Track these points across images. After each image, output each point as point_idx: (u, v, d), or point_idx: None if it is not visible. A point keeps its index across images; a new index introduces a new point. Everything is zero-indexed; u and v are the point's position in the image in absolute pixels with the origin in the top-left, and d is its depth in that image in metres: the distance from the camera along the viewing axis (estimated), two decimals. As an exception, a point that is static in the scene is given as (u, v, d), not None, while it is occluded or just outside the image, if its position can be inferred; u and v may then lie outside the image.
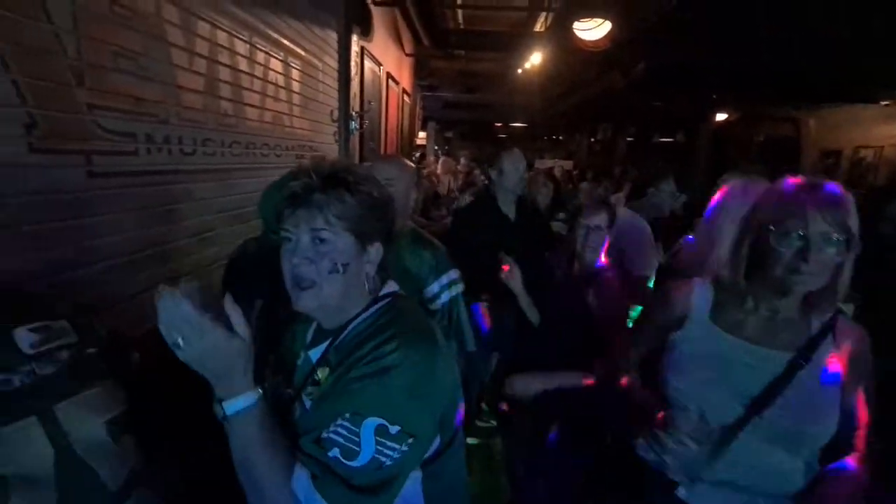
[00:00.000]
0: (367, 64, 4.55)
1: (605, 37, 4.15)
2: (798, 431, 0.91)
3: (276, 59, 2.47)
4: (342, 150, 3.82)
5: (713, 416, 0.95)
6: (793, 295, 0.95)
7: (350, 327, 0.79)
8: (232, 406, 0.66)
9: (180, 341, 0.61)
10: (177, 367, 0.64)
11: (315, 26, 3.10)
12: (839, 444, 0.93)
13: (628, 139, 9.56)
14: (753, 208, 0.99)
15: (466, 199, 3.09)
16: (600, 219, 1.78)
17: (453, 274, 1.45)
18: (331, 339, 0.80)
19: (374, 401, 0.68)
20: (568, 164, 10.13)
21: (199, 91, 1.80)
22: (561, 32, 4.45)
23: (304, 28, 2.87)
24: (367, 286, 0.80)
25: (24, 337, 0.67)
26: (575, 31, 3.86)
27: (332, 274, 0.74)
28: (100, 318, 0.87)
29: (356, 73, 4.07)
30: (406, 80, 7.24)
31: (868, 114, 7.03)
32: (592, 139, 10.09)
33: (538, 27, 6.83)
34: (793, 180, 0.95)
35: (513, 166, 2.19)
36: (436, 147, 12.81)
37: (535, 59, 6.72)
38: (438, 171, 7.62)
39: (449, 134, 15.04)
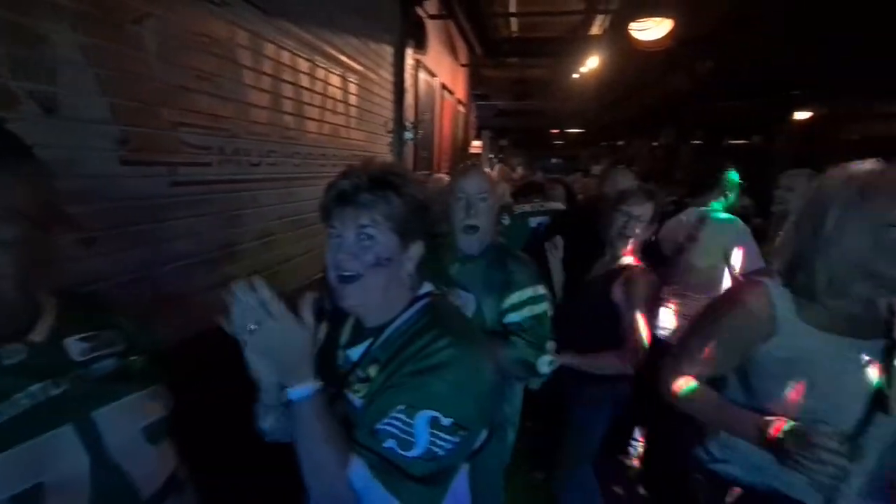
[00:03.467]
0: (422, 76, 4.69)
1: (666, 36, 3.99)
2: None
3: (335, 74, 2.62)
4: (397, 160, 3.95)
5: (834, 421, 0.88)
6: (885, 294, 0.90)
7: (394, 325, 0.81)
8: (297, 392, 0.70)
9: (253, 327, 0.67)
10: (220, 376, 0.69)
11: (371, 41, 3.25)
12: None
13: (695, 143, 9.02)
14: (866, 203, 0.88)
15: (525, 207, 3.07)
16: (643, 209, 1.69)
17: (539, 289, 1.39)
18: (372, 338, 0.82)
19: (428, 394, 0.70)
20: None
21: (264, 107, 1.96)
22: (619, 34, 4.32)
23: (360, 44, 3.02)
24: (407, 283, 0.83)
25: (73, 345, 0.69)
26: (631, 31, 3.74)
27: (375, 266, 0.77)
28: (153, 321, 0.95)
29: (411, 85, 4.21)
30: (460, 90, 7.35)
31: None
32: (655, 143, 9.63)
33: (595, 30, 6.67)
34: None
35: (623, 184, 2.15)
36: (490, 155, 12.83)
37: (591, 63, 6.57)
38: (494, 178, 7.57)
39: (503, 142, 15.01)
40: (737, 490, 0.98)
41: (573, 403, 1.79)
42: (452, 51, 6.54)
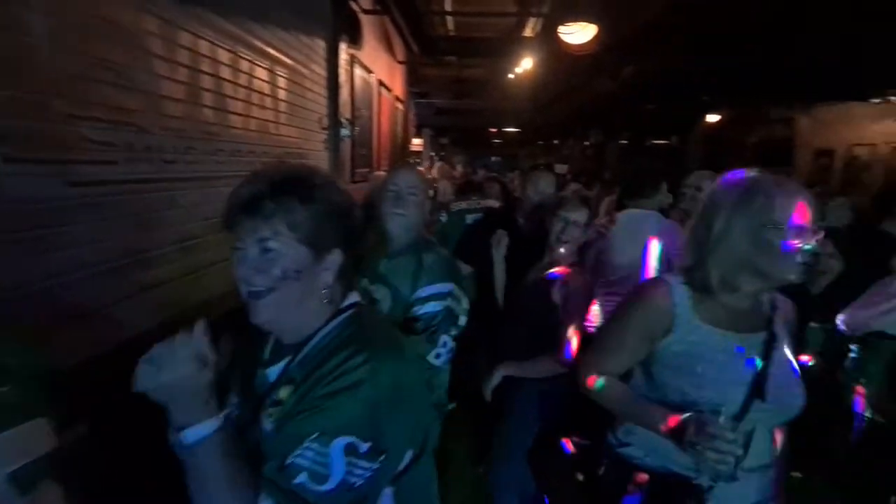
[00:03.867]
0: (358, 71, 4.59)
1: (592, 41, 4.20)
2: (787, 404, 0.99)
3: (261, 66, 2.49)
4: (332, 157, 3.84)
5: (726, 410, 0.94)
6: (784, 282, 0.99)
7: (313, 341, 0.75)
8: (192, 434, 0.63)
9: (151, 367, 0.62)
10: (128, 400, 0.62)
11: (302, 34, 3.13)
12: None
13: (622, 142, 9.61)
14: (744, 208, 0.96)
15: (462, 205, 3.11)
16: (580, 214, 1.78)
17: (452, 283, 1.41)
18: (290, 355, 0.76)
19: (342, 418, 0.65)
20: (563, 169, 10.18)
21: (180, 100, 1.81)
22: (549, 37, 4.49)
23: (289, 37, 2.90)
24: (326, 296, 0.75)
25: None
26: (560, 35, 3.90)
27: (284, 280, 0.70)
28: (43, 341, 0.82)
29: (346, 81, 4.11)
30: (398, 88, 7.29)
31: (861, 112, 7.07)
32: (586, 143, 10.14)
33: (528, 32, 6.89)
34: (776, 180, 0.96)
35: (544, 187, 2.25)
36: (432, 153, 12.88)
37: (525, 64, 6.78)
38: (434, 176, 7.64)
39: (443, 140, 15.12)
40: (642, 477, 1.03)
41: (510, 397, 1.84)
42: (389, 47, 6.46)
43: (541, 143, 12.07)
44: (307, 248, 0.71)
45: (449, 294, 1.41)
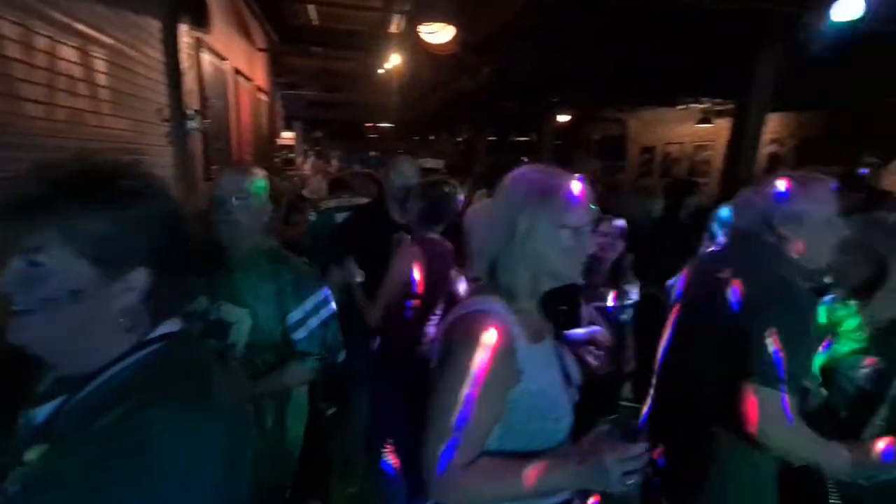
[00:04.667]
0: (207, 57, 4.16)
1: (451, 41, 4.39)
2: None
3: (67, 45, 2.11)
4: (178, 152, 3.44)
5: (558, 415, 0.94)
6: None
7: (98, 380, 0.60)
8: None
9: None
10: None
11: (127, 12, 2.74)
12: None
13: (490, 138, 10.29)
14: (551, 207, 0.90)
15: (331, 203, 3.01)
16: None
17: (321, 294, 1.36)
18: (68, 393, 0.61)
19: (120, 491, 0.50)
20: (438, 163, 10.53)
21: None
22: (413, 35, 4.60)
23: (108, 12, 2.51)
24: (125, 324, 0.61)
25: None
26: (420, 34, 4.01)
27: (52, 302, 0.57)
28: None
29: (191, 67, 3.69)
30: (260, 77, 6.79)
31: (672, 116, 8.61)
32: (457, 139, 10.63)
33: (393, 28, 6.94)
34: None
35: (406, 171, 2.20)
36: (305, 147, 12.27)
37: (394, 59, 6.83)
38: (307, 171, 7.29)
39: (318, 134, 14.52)
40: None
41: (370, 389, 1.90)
42: (247, 33, 5.97)
43: (416, 138, 12.33)
44: (91, 265, 0.58)
45: (327, 300, 1.39)
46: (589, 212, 0.92)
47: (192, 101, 3.65)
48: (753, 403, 1.09)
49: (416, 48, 5.75)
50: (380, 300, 1.82)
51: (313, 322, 1.34)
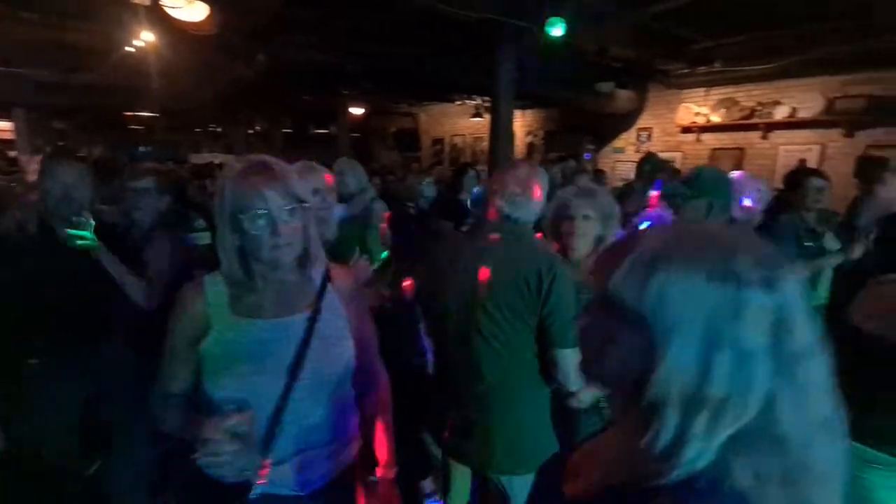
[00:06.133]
0: None
1: (208, 21, 3.99)
2: (329, 379, 1.03)
3: None
4: None
5: (261, 402, 0.94)
6: (284, 265, 1.00)
7: None
8: None
9: None
10: None
11: None
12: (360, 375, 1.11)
13: (286, 131, 9.77)
14: (221, 200, 0.97)
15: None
16: (147, 182, 1.97)
17: None
18: None
19: None
20: (229, 159, 9.52)
21: None
22: (159, 9, 4.00)
23: None
24: None
25: None
26: (162, 5, 3.53)
27: None
28: None
29: None
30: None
31: (454, 110, 9.56)
32: (249, 131, 9.79)
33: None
34: (242, 167, 0.98)
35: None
36: (42, 142, 9.56)
37: (146, 36, 5.83)
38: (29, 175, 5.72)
39: (59, 125, 11.49)
40: None
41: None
42: None
43: (198, 130, 10.86)
44: None
45: None
46: (258, 193, 0.94)
47: None
48: (565, 364, 1.36)
49: (172, 27, 5.04)
50: None
51: None
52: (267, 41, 5.28)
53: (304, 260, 1.03)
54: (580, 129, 7.63)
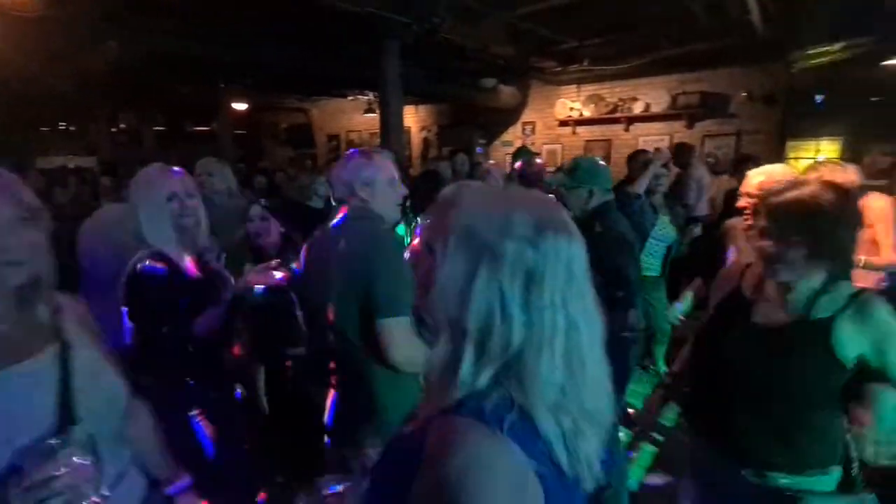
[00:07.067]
0: None
1: None
2: (115, 408, 0.99)
3: None
4: None
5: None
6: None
7: None
8: None
9: None
10: None
11: None
12: None
13: (158, 128, 8.78)
14: None
15: None
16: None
17: None
18: None
19: None
20: (89, 162, 8.31)
21: None
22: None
23: None
24: None
25: None
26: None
27: None
28: None
29: None
30: None
31: (348, 106, 9.35)
32: (113, 129, 8.64)
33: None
34: None
35: None
36: None
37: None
38: None
39: None
40: None
41: None
42: None
43: (46, 129, 9.30)
44: None
45: None
46: None
47: None
48: (387, 333, 1.29)
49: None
50: None
51: None
52: (122, 27, 4.71)
53: (27, 292, 0.86)
54: (471, 124, 7.95)
